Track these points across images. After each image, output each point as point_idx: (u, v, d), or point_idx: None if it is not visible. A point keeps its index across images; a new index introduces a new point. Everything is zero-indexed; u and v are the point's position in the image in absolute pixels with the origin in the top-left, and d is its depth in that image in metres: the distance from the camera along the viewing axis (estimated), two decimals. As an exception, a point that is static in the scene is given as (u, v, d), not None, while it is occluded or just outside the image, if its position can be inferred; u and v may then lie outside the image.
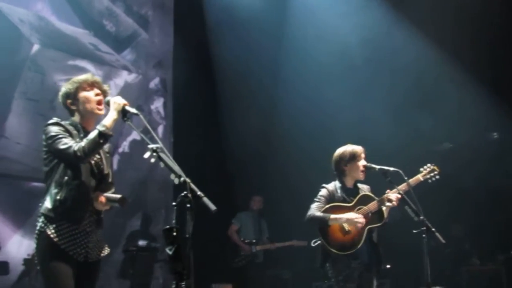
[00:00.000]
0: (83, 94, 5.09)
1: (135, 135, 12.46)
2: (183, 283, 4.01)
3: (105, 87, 5.25)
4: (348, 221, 6.61)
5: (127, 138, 12.52)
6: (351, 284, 6.54)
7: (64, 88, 5.15)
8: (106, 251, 5.22)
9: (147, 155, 4.40)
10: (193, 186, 4.21)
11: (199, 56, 13.39)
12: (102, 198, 5.06)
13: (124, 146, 12.53)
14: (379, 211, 6.77)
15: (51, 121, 4.98)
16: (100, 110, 5.12)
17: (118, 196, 5.12)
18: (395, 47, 11.63)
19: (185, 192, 4.15)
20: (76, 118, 5.12)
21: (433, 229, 6.17)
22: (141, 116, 4.75)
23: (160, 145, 4.44)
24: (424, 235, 6.14)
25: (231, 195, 12.57)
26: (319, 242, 6.76)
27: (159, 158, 4.36)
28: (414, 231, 6.31)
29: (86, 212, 4.97)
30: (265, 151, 12.98)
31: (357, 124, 11.49)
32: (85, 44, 12.11)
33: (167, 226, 4.12)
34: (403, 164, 6.72)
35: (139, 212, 12.36)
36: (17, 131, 10.58)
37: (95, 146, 4.83)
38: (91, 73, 5.50)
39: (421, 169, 6.97)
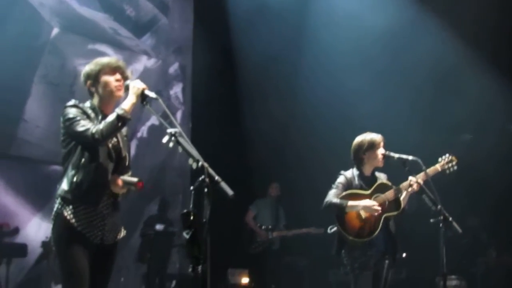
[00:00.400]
0: (104, 78, 5.07)
1: (153, 120, 12.49)
2: (200, 267, 4.03)
3: (128, 72, 5.25)
4: (365, 208, 6.62)
5: (146, 123, 12.56)
6: (367, 271, 6.54)
7: (87, 68, 5.14)
8: (122, 233, 5.24)
9: (165, 139, 4.40)
10: (211, 171, 4.21)
11: (218, 42, 13.36)
12: (119, 181, 5.08)
13: (143, 131, 12.57)
14: (396, 200, 6.78)
15: (69, 103, 4.97)
16: (119, 94, 5.11)
17: (135, 179, 5.17)
18: (416, 36, 11.56)
19: (202, 177, 4.15)
20: (95, 100, 5.11)
21: (450, 219, 6.16)
22: (160, 101, 4.75)
23: (178, 129, 4.44)
24: (441, 225, 6.13)
25: (249, 181, 12.57)
26: (335, 229, 6.77)
27: (178, 143, 4.36)
28: (431, 220, 6.31)
29: (103, 195, 4.97)
30: (284, 138, 12.97)
31: (377, 113, 11.42)
32: (105, 29, 12.13)
33: (185, 211, 4.13)
34: (423, 154, 6.71)
35: (157, 197, 12.40)
36: (36, 115, 10.64)
37: (113, 129, 4.83)
38: (116, 57, 5.48)
39: (439, 159, 6.96)
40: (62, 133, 4.98)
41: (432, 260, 7.49)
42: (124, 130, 5.23)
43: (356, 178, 6.85)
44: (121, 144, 5.19)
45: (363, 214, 6.66)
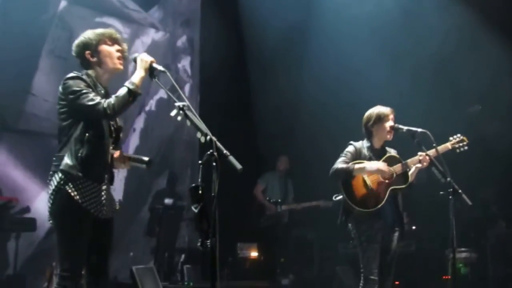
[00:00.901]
0: (105, 48, 5.03)
1: (161, 94, 12.49)
2: (209, 241, 4.04)
3: (125, 45, 5.17)
4: (371, 169, 6.59)
5: (154, 97, 12.57)
6: (374, 244, 6.54)
7: (84, 38, 5.09)
8: (117, 206, 5.25)
9: (173, 113, 4.39)
10: (219, 144, 4.21)
11: (226, 15, 13.29)
12: (126, 159, 5.19)
13: (151, 105, 12.58)
14: (404, 173, 6.77)
15: (71, 75, 4.88)
16: (120, 66, 5.09)
17: (146, 158, 5.23)
18: (424, 8, 11.48)
19: (211, 151, 4.16)
20: (92, 72, 5.02)
21: (460, 191, 6.15)
22: (168, 74, 4.74)
23: (186, 103, 4.43)
24: (450, 197, 6.12)
25: (257, 155, 12.56)
26: (340, 197, 6.75)
27: (186, 116, 4.36)
28: (440, 192, 6.30)
29: (106, 171, 4.99)
30: (293, 111, 12.90)
31: (386, 86, 11.37)
32: (113, 2, 12.10)
33: (193, 185, 4.14)
34: (432, 126, 6.68)
35: (165, 170, 12.45)
36: (44, 89, 10.63)
37: (125, 104, 4.80)
38: (122, 30, 5.51)
39: (450, 138, 6.93)
40: (61, 105, 4.86)
41: (441, 232, 7.50)
42: None
43: (365, 149, 6.83)
44: (118, 121, 5.16)
45: (370, 183, 6.65)
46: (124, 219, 11.56)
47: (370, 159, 6.76)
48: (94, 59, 5.03)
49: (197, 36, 13.75)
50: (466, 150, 6.96)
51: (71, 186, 4.71)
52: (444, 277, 10.04)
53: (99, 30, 5.10)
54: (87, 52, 5.03)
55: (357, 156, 6.76)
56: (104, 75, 5.08)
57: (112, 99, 4.76)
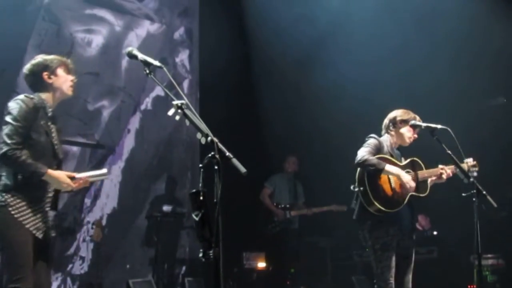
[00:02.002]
0: (63, 73, 5.62)
1: (158, 91, 12.49)
2: (211, 251, 4.05)
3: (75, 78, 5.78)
4: (401, 179, 6.65)
5: (150, 94, 12.57)
6: (390, 253, 6.57)
7: (43, 59, 5.64)
8: (53, 234, 5.57)
9: (171, 112, 4.40)
10: (221, 146, 4.21)
11: (227, 3, 13.23)
12: (84, 180, 5.56)
13: (147, 103, 12.59)
14: (425, 182, 6.86)
15: (21, 98, 5.39)
16: (72, 92, 5.70)
17: (104, 170, 5.73)
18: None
19: (212, 153, 4.16)
20: (44, 94, 5.54)
21: (484, 192, 6.16)
22: (165, 69, 4.75)
23: (185, 101, 4.44)
24: (474, 199, 6.13)
25: (263, 156, 12.56)
26: (361, 188, 6.76)
27: (184, 115, 4.36)
28: (463, 194, 6.31)
29: (47, 192, 5.39)
30: (301, 108, 12.88)
31: (403, 79, 11.39)
32: (104, -9, 12.13)
33: (194, 190, 4.15)
34: (454, 120, 6.71)
35: (163, 174, 12.46)
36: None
37: (22, 170, 5.21)
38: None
39: (465, 160, 6.97)
40: (5, 121, 5.31)
41: (465, 237, 7.52)
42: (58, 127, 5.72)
43: (386, 145, 6.90)
44: (58, 143, 5.64)
45: (394, 183, 6.70)
46: (120, 227, 11.60)
47: (391, 156, 6.83)
48: (50, 81, 5.56)
49: (196, 28, 13.73)
50: (491, 148, 6.99)
51: (11, 205, 5.17)
52: (469, 286, 10.03)
53: (56, 56, 5.75)
54: (45, 73, 5.57)
55: (380, 149, 6.83)
56: (55, 99, 5.63)
57: (23, 157, 5.18)
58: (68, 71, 5.70)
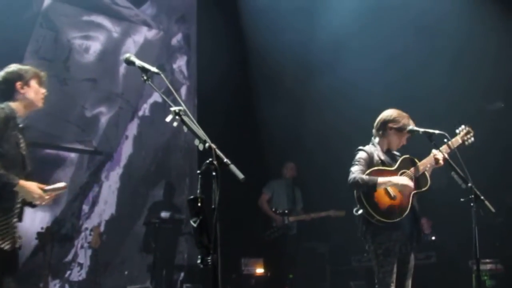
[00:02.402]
0: (35, 84, 5.67)
1: (156, 97, 12.51)
2: (209, 257, 4.05)
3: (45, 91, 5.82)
4: (397, 185, 6.63)
5: (148, 101, 12.58)
6: (392, 258, 6.55)
7: (17, 68, 5.69)
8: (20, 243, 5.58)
9: (169, 118, 4.40)
10: (219, 152, 4.22)
11: (225, 9, 13.23)
12: (49, 195, 5.54)
13: (145, 109, 12.60)
14: (423, 175, 6.82)
15: None
16: (42, 104, 5.75)
17: (62, 184, 5.68)
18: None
19: (210, 159, 4.16)
20: (14, 104, 5.57)
21: (482, 197, 6.16)
22: (163, 76, 4.75)
23: (183, 107, 4.44)
24: (472, 204, 6.13)
25: (261, 162, 12.57)
26: (361, 211, 6.75)
27: (182, 122, 4.37)
28: (461, 199, 6.31)
29: (15, 203, 5.42)
30: (299, 113, 12.89)
31: (402, 85, 11.39)
32: (101, -2, 12.15)
33: (192, 196, 4.15)
34: (453, 125, 6.71)
35: (161, 181, 12.47)
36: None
37: None
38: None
39: (457, 131, 6.97)
40: None
41: (464, 242, 7.51)
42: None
43: (375, 153, 6.87)
44: (27, 153, 5.67)
45: (392, 191, 6.68)
46: (118, 234, 11.59)
47: (382, 163, 6.80)
48: (22, 91, 5.60)
49: (194, 33, 13.76)
50: (489, 152, 6.99)
51: None
52: (468, 291, 10.04)
53: (31, 68, 5.79)
54: (19, 82, 5.61)
55: (370, 161, 6.80)
56: (25, 109, 5.66)
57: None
58: (41, 83, 5.76)
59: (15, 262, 5.51)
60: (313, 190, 12.18)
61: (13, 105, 5.55)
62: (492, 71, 11.13)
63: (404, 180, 6.67)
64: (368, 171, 6.71)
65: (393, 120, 6.91)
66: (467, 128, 7.00)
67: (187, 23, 13.72)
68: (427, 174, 6.84)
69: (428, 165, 6.81)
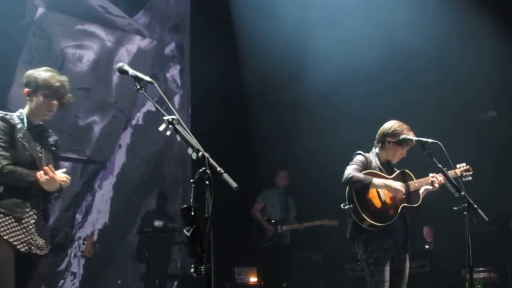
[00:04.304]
0: (41, 98, 5.50)
1: (149, 106, 12.51)
2: (203, 266, 4.04)
3: (68, 96, 5.67)
4: (389, 187, 6.65)
5: (141, 110, 12.58)
6: (384, 267, 6.55)
7: (32, 75, 5.57)
8: (44, 249, 5.45)
9: (162, 127, 4.39)
10: (212, 161, 4.20)
11: (218, 18, 13.25)
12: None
13: (138, 118, 12.60)
14: (416, 192, 6.85)
15: None
16: (49, 115, 5.58)
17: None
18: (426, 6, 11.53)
19: (203, 168, 4.15)
20: (25, 109, 5.54)
21: (475, 206, 6.17)
22: (156, 85, 4.74)
23: (176, 116, 4.44)
24: (465, 213, 6.14)
25: (255, 171, 12.56)
26: (349, 206, 6.75)
27: (175, 131, 4.36)
28: (454, 208, 6.32)
29: (27, 206, 5.28)
30: (292, 122, 12.89)
31: (391, 95, 11.40)
32: (94, 7, 12.14)
33: (185, 205, 4.14)
34: (447, 133, 6.73)
35: (155, 189, 12.45)
36: (22, 103, 10.61)
37: (15, 181, 5.17)
38: (63, 78, 5.69)
39: (458, 165, 7.01)
40: None
41: (457, 251, 7.52)
42: (52, 140, 5.70)
43: (374, 160, 6.90)
44: (43, 154, 5.49)
45: (384, 196, 6.70)
46: (111, 243, 11.57)
47: (380, 170, 6.82)
48: (28, 98, 5.55)
49: (187, 42, 13.77)
50: (481, 161, 7.00)
51: None
52: (461, 299, 10.04)
53: (48, 79, 5.56)
54: (27, 90, 5.55)
55: (368, 165, 6.83)
56: (33, 116, 5.57)
57: (15, 169, 5.17)
58: (52, 96, 5.53)
59: (35, 267, 5.33)
60: (306, 199, 12.16)
61: (24, 110, 5.56)
62: (483, 80, 11.15)
63: (398, 184, 6.71)
64: (364, 172, 6.74)
65: (392, 134, 6.94)
66: (467, 166, 7.04)
67: (181, 32, 13.74)
68: (421, 194, 6.88)
69: (424, 186, 6.85)
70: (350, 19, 11.80)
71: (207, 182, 4.12)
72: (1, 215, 5.11)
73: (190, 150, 4.25)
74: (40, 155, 5.45)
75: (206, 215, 4.07)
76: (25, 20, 11.03)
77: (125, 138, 12.35)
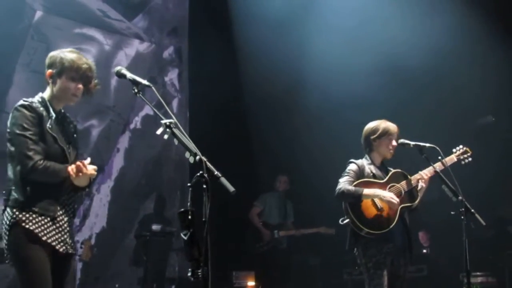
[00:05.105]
0: (65, 81, 5.11)
1: (147, 110, 12.51)
2: (200, 270, 4.04)
3: (94, 82, 5.34)
4: (383, 199, 6.64)
5: (139, 113, 12.58)
6: (382, 271, 6.55)
7: (55, 55, 5.19)
8: (71, 249, 5.18)
9: (159, 131, 4.39)
10: (209, 165, 4.20)
11: (217, 22, 13.26)
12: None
13: (136, 122, 12.60)
14: (412, 190, 6.84)
15: (21, 103, 5.00)
16: (72, 102, 5.20)
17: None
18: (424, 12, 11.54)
19: (201, 172, 4.16)
20: (47, 94, 5.15)
21: (473, 210, 6.18)
22: (154, 89, 4.74)
23: (174, 120, 4.43)
24: (462, 217, 6.15)
25: (253, 175, 12.55)
26: (347, 220, 6.77)
27: (173, 135, 4.36)
28: (451, 212, 6.33)
29: (60, 203, 5.03)
30: (292, 127, 12.86)
31: (389, 100, 11.40)
32: (93, 10, 12.15)
33: (182, 209, 4.14)
34: (443, 138, 6.73)
35: (152, 193, 12.45)
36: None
37: (52, 177, 4.89)
38: (90, 61, 5.40)
39: (454, 150, 7.03)
40: (8, 132, 4.97)
41: (455, 255, 7.52)
42: (72, 127, 5.40)
43: (367, 167, 6.90)
44: (70, 146, 5.24)
45: (379, 203, 6.69)
46: (109, 247, 11.57)
47: (374, 176, 6.82)
48: (51, 81, 5.15)
49: (186, 46, 13.77)
50: (479, 166, 7.00)
51: (24, 220, 4.78)
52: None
53: (72, 58, 5.17)
54: (50, 71, 5.14)
55: (360, 174, 6.83)
56: (56, 101, 5.17)
57: (49, 165, 4.85)
58: (78, 79, 5.13)
59: (69, 268, 5.08)
60: (305, 204, 12.16)
61: (46, 94, 5.16)
62: (480, 85, 11.16)
63: (389, 194, 6.68)
64: (355, 183, 6.74)
65: (372, 132, 6.97)
66: (464, 148, 7.05)
67: (179, 36, 13.74)
68: (418, 190, 6.86)
69: (419, 183, 6.84)
70: (350, 25, 11.82)
71: (204, 186, 4.13)
72: (36, 215, 4.80)
73: (187, 154, 4.25)
74: (68, 146, 5.16)
75: (204, 219, 4.08)
76: (23, 23, 11.03)
77: (123, 142, 12.35)
